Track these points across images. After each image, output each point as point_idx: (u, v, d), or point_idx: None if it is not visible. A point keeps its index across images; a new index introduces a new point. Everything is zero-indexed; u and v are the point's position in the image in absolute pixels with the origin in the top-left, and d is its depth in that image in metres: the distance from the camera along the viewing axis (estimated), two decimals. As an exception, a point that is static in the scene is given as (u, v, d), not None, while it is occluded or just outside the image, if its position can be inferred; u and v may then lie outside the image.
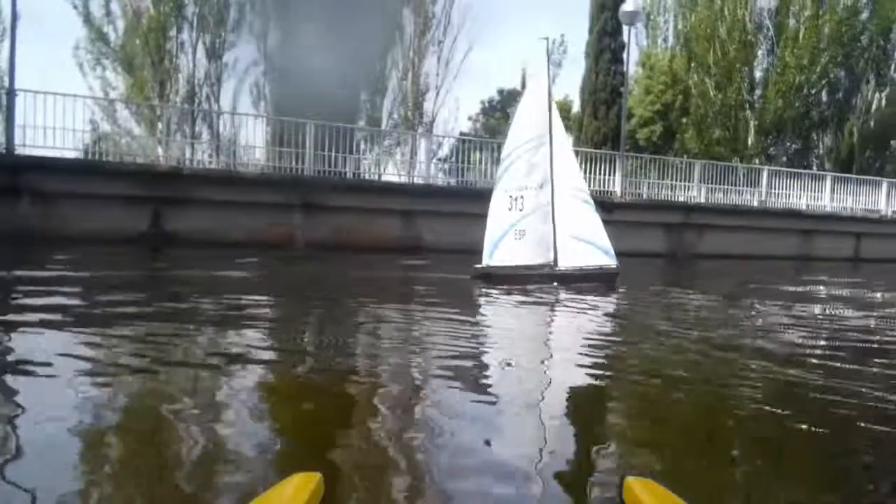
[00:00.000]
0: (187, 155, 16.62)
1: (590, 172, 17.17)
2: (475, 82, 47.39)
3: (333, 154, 14.92)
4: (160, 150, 15.93)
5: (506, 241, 9.19)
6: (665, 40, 28.84)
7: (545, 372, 3.97)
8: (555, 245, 9.10)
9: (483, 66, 50.38)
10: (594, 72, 23.25)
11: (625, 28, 19.94)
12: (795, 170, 21.52)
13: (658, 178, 18.70)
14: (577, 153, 18.17)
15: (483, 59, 50.73)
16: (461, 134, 23.50)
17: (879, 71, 26.07)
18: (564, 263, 9.05)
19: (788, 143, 26.72)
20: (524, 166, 9.29)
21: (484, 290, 8.29)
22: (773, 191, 19.73)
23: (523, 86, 27.20)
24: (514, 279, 8.93)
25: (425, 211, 15.08)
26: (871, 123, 25.98)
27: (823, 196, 20.30)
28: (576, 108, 25.66)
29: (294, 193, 14.03)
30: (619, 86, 22.13)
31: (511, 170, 9.41)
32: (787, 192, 19.95)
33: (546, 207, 9.20)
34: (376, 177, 18.23)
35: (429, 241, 14.84)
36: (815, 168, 25.05)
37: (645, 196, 18.23)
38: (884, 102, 25.95)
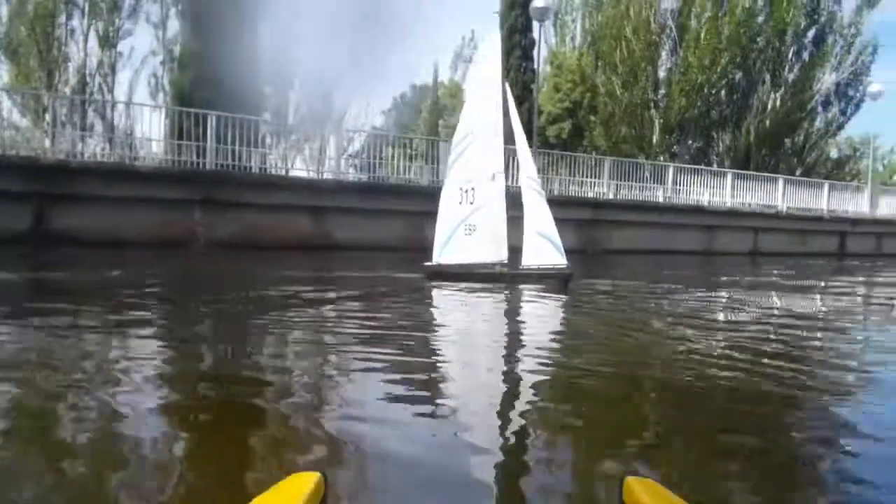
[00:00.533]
0: (78, 148, 15.50)
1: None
2: (387, 77, 46.95)
3: (237, 148, 14.24)
4: (47, 143, 14.80)
5: (456, 237, 8.58)
6: (573, 39, 29.27)
7: (507, 372, 3.73)
8: (517, 242, 8.49)
9: (395, 60, 50.08)
10: (505, 68, 23.24)
11: (535, 24, 20.00)
12: (699, 167, 22.19)
13: (568, 175, 18.84)
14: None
15: (395, 54, 50.35)
16: (373, 128, 23.03)
17: (775, 72, 27.20)
18: (528, 262, 8.37)
19: (690, 142, 27.56)
20: (476, 154, 8.58)
21: (425, 289, 7.81)
22: (678, 187, 20.24)
23: (435, 81, 27.19)
24: (467, 278, 8.35)
25: (336, 207, 14.61)
26: (767, 123, 27.11)
27: (725, 192, 20.98)
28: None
29: (194, 188, 13.28)
30: (531, 82, 22.22)
31: (462, 159, 8.72)
32: (691, 189, 20.52)
33: (498, 201, 8.52)
34: (284, 172, 17.56)
35: (340, 239, 14.38)
36: (715, 165, 25.91)
37: (556, 192, 18.31)
38: (778, 103, 27.13)
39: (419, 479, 1.98)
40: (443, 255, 8.67)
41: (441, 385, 3.29)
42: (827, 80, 27.78)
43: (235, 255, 12.02)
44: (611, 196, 18.89)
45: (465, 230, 8.56)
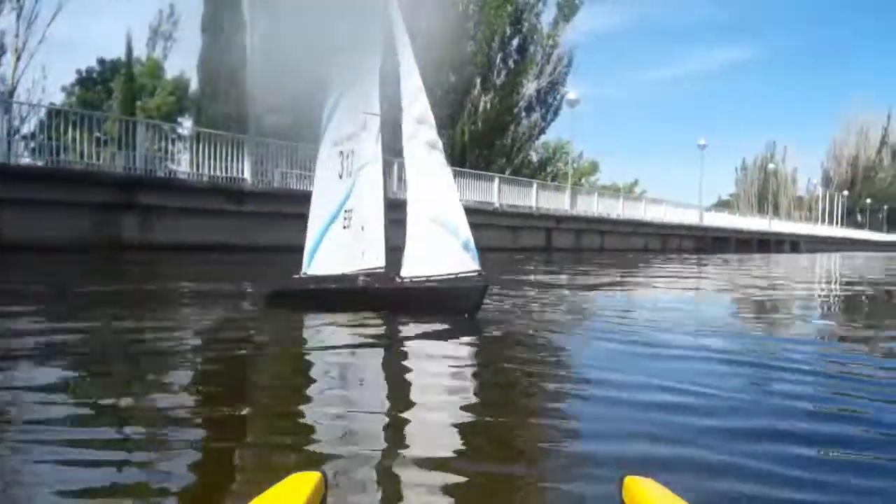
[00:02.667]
0: None
1: (214, 158, 15.20)
2: (70, 50, 41.21)
3: None
4: None
5: (332, 233, 5.44)
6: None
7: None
8: (386, 235, 5.23)
9: (81, 34, 44.76)
10: (214, 48, 20.97)
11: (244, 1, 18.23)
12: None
13: (289, 168, 17.35)
14: (199, 135, 16.08)
15: (80, 27, 44.93)
16: (51, 105, 19.18)
17: (485, 77, 28.33)
18: (413, 271, 4.83)
19: (409, 140, 27.56)
20: (358, 97, 5.30)
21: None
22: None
23: (129, 55, 23.72)
24: (324, 300, 5.36)
25: (4, 199, 11.58)
26: (479, 124, 28.14)
27: (446, 189, 21.03)
28: (194, 86, 23.08)
29: None
30: (243, 66, 20.25)
31: (342, 105, 5.47)
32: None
33: (374, 165, 5.27)
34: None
35: (11, 237, 11.37)
36: (433, 164, 26.17)
37: (277, 185, 16.75)
38: (489, 106, 28.30)
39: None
40: (313, 262, 5.52)
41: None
42: (530, 87, 29.68)
43: None
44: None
45: (343, 220, 5.35)
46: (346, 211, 5.32)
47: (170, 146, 16.25)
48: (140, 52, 24.92)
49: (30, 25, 19.28)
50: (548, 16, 30.20)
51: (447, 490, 1.80)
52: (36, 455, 1.92)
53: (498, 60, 28.78)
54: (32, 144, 15.31)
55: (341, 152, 5.42)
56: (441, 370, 3.41)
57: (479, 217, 21.69)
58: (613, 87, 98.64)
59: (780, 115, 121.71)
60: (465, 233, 4.75)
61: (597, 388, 2.94)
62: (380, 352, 4.00)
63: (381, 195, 5.21)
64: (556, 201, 25.93)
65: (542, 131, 31.56)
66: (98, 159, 14.34)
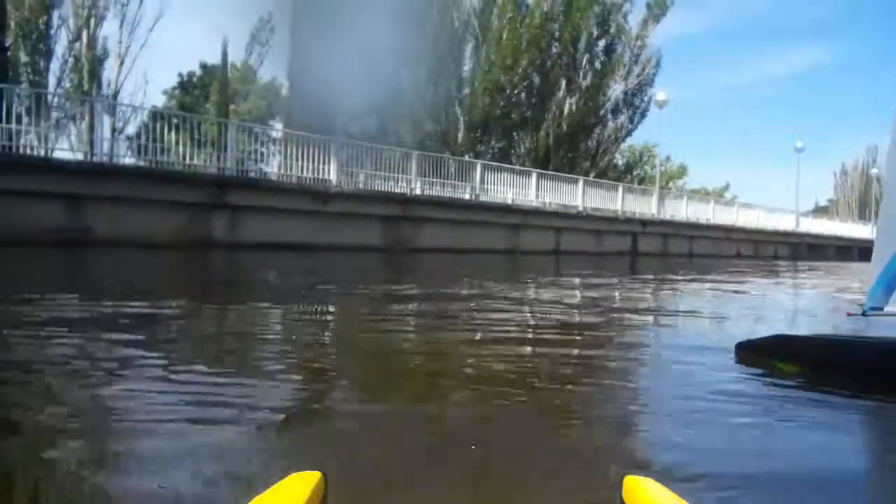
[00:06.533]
0: None
1: (302, 158, 15.58)
2: (171, 55, 42.92)
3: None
4: None
5: None
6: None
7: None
8: None
9: (182, 37, 46.34)
10: (302, 54, 21.62)
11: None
12: (505, 165, 21.97)
13: (374, 169, 17.63)
14: (288, 137, 16.58)
15: (180, 31, 46.45)
16: (153, 108, 20.16)
17: (570, 78, 27.97)
18: None
19: (493, 142, 27.56)
20: None
21: None
22: (485, 185, 19.81)
23: (225, 61, 24.76)
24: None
25: (101, 196, 12.18)
26: (564, 127, 27.80)
27: (529, 192, 20.89)
28: (285, 91, 23.78)
29: None
30: (330, 72, 20.72)
31: None
32: (497, 188, 20.18)
33: None
34: (43, 153, 14.52)
35: (104, 233, 11.95)
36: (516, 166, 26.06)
37: (362, 186, 17.03)
38: (574, 108, 27.92)
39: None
40: None
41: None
42: (617, 88, 29.13)
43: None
44: (418, 192, 17.94)
45: None
46: None
47: (260, 148, 16.78)
48: (239, 57, 25.92)
49: (133, 31, 20.29)
50: (635, 16, 29.57)
51: (448, 490, 1.79)
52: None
53: (584, 62, 28.34)
54: (136, 144, 16.08)
55: None
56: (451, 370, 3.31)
57: (562, 220, 21.52)
58: (699, 90, 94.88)
59: (881, 118, 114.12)
60: None
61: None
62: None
63: None
64: (642, 205, 25.29)
65: (629, 134, 30.85)
66: (196, 160, 14.97)
